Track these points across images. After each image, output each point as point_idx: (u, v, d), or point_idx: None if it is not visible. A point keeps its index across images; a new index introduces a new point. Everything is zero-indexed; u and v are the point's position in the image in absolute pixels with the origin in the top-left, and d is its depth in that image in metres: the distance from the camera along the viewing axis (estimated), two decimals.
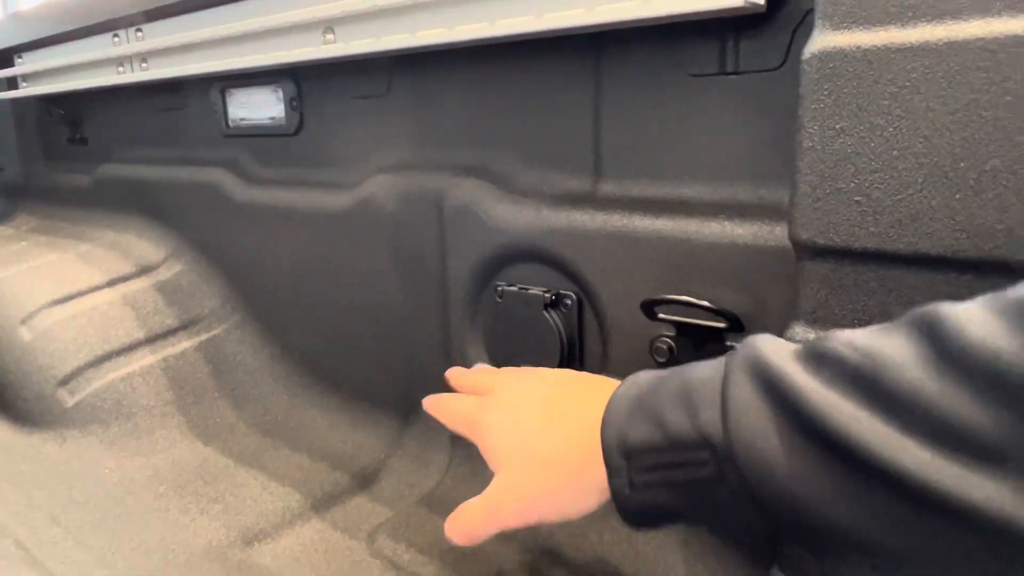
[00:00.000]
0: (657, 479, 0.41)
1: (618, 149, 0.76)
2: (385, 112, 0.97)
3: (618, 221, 0.72)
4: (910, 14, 0.44)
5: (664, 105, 0.71)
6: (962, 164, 0.43)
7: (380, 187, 0.95)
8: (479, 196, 0.83)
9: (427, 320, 0.93)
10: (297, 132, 1.10)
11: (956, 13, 0.42)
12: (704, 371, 0.42)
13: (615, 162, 0.76)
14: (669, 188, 0.72)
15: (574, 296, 0.77)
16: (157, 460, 1.01)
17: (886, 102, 0.44)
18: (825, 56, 0.46)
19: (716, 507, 0.40)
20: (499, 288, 0.83)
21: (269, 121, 1.13)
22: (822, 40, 0.47)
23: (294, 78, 1.07)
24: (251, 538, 0.82)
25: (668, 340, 0.69)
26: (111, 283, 1.22)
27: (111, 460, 1.00)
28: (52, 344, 1.10)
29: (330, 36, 0.91)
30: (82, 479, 0.95)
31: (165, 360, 1.13)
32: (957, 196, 0.43)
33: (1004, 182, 0.41)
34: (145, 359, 1.12)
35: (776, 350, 0.39)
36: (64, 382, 1.07)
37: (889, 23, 0.44)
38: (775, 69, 0.63)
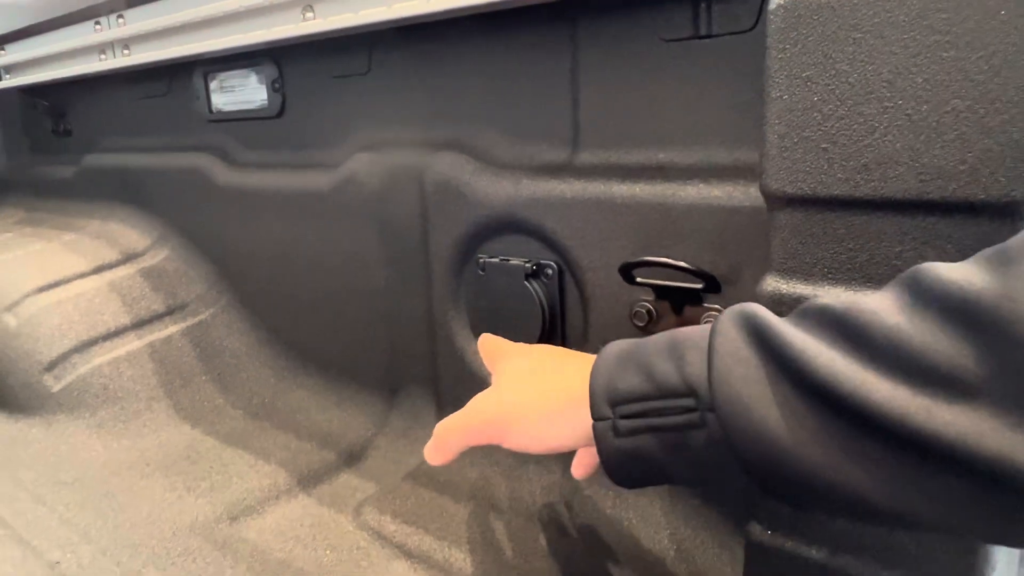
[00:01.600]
0: (641, 425, 0.42)
1: (596, 117, 0.76)
2: (366, 91, 0.97)
3: (596, 189, 0.72)
4: None
5: (640, 72, 0.71)
6: (924, 107, 0.43)
7: (362, 165, 0.95)
8: (458, 170, 0.84)
9: (411, 297, 0.93)
10: (280, 114, 1.10)
11: None
12: (695, 329, 0.42)
13: (593, 131, 0.76)
14: (647, 154, 0.72)
15: (555, 265, 0.78)
16: (144, 443, 1.01)
17: (850, 48, 0.45)
18: (790, 6, 0.47)
19: (696, 454, 0.40)
20: (481, 261, 0.83)
21: (252, 105, 1.13)
22: None
23: (276, 60, 1.07)
24: (237, 514, 0.83)
25: (647, 304, 0.70)
26: (97, 270, 1.21)
27: (97, 443, 1.00)
28: (37, 330, 1.09)
29: (309, 14, 0.91)
30: (68, 461, 0.95)
31: (151, 345, 1.13)
32: (921, 138, 0.43)
33: (965, 122, 0.42)
34: (131, 344, 1.12)
35: (766, 310, 0.39)
36: (50, 368, 1.07)
37: None
38: (748, 31, 0.64)
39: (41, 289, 1.16)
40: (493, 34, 0.82)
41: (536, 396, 0.50)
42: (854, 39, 0.45)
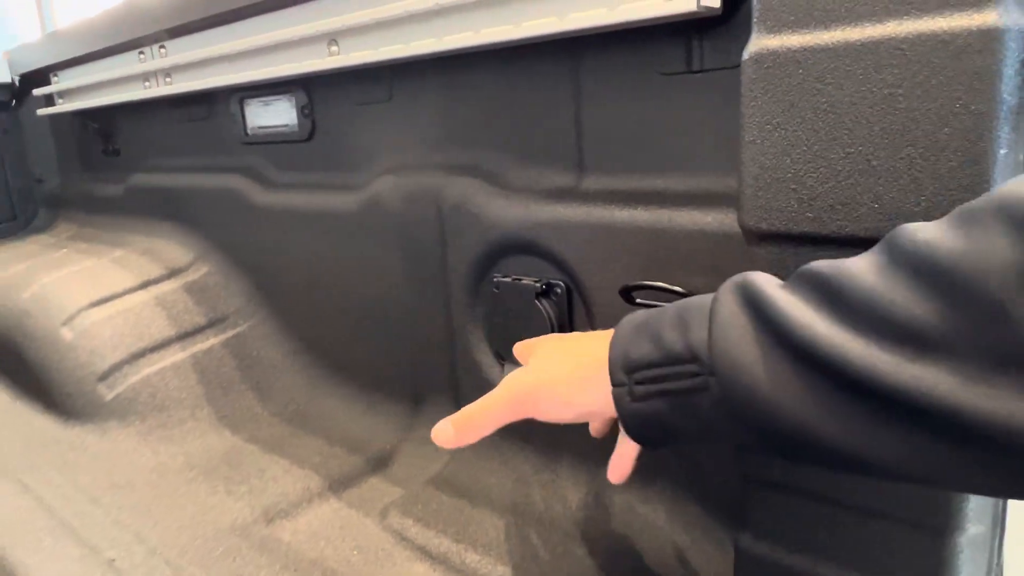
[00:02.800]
0: (654, 390, 0.45)
1: (598, 145, 0.80)
2: (388, 117, 1.03)
3: (600, 213, 0.77)
4: (832, 17, 0.48)
5: (638, 102, 0.76)
6: (882, 153, 0.47)
7: (385, 187, 1.01)
8: (472, 193, 0.89)
9: (431, 312, 0.98)
10: (310, 138, 1.16)
11: (872, 16, 0.46)
12: (701, 298, 0.46)
13: (596, 157, 0.81)
14: (645, 180, 0.77)
15: (563, 285, 0.83)
16: (188, 448, 1.08)
17: (814, 98, 0.49)
18: (760, 58, 0.51)
19: (703, 416, 0.43)
20: (495, 279, 0.89)
21: (284, 128, 1.20)
22: (757, 43, 0.51)
23: (305, 88, 1.14)
24: (273, 516, 0.89)
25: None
26: (144, 285, 1.30)
27: (146, 448, 1.08)
28: (91, 343, 1.18)
29: (334, 48, 0.97)
30: (121, 466, 1.04)
31: (194, 356, 1.21)
32: (880, 182, 0.47)
33: (918, 169, 0.45)
34: (176, 355, 1.20)
35: (764, 276, 0.42)
36: (103, 377, 1.16)
37: (815, 26, 0.48)
38: (737, 66, 0.67)
39: (94, 304, 1.25)
40: (503, 67, 0.87)
41: (566, 366, 0.53)
42: (817, 90, 0.48)
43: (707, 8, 0.62)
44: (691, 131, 0.72)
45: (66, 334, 1.21)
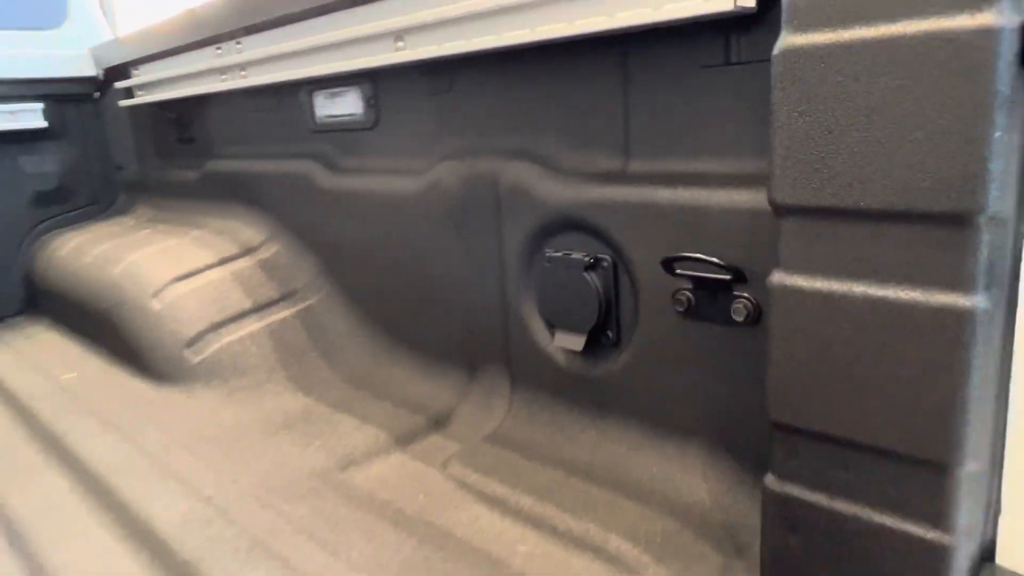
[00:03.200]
0: None
1: (643, 132, 0.88)
2: (448, 107, 1.12)
3: (644, 193, 0.85)
4: (851, 18, 0.55)
5: (681, 93, 0.83)
6: (892, 137, 0.54)
7: (445, 172, 1.10)
8: (527, 176, 0.98)
9: (487, 286, 1.08)
10: (374, 126, 1.26)
11: (886, 17, 0.53)
12: None
13: (641, 143, 0.89)
14: (686, 164, 0.84)
15: (609, 259, 0.91)
16: (266, 407, 1.20)
17: (834, 89, 0.56)
18: (788, 54, 0.58)
19: None
20: (547, 254, 0.97)
21: (350, 118, 1.30)
22: (785, 40, 0.58)
23: (371, 80, 1.23)
24: (346, 464, 1.00)
25: (687, 292, 0.82)
26: (222, 262, 1.42)
27: (229, 407, 1.20)
28: (178, 313, 1.31)
29: (400, 44, 1.07)
30: (208, 422, 1.16)
31: (269, 326, 1.33)
32: (891, 162, 0.54)
33: (924, 151, 0.53)
34: (253, 325, 1.32)
35: None
36: (189, 344, 1.28)
37: (835, 26, 0.56)
38: (769, 60, 0.75)
39: (178, 279, 1.38)
40: (556, 61, 0.95)
41: None
42: (837, 82, 0.56)
43: (743, 7, 0.69)
44: (728, 118, 0.80)
45: (155, 305, 1.33)
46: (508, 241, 1.03)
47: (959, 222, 0.53)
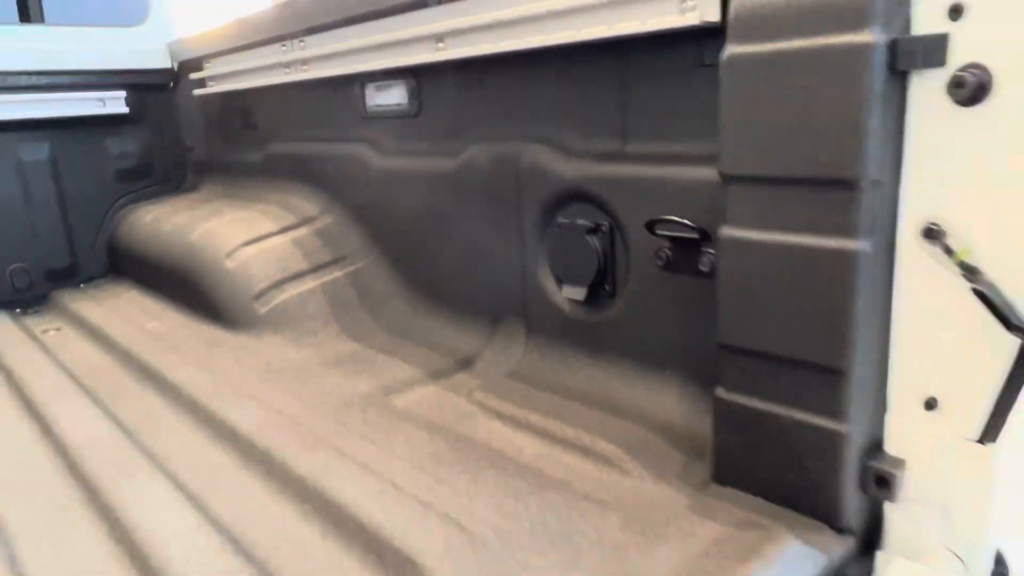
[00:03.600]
0: None
1: (637, 119, 1.08)
2: (478, 99, 1.33)
3: (637, 170, 1.05)
4: (773, 34, 0.74)
5: (666, 89, 1.03)
6: (803, 122, 0.73)
7: (477, 153, 1.31)
8: (543, 157, 1.18)
9: (508, 249, 1.28)
10: (417, 115, 1.47)
11: (798, 33, 0.72)
12: None
13: (636, 129, 1.08)
14: (669, 146, 1.04)
15: (607, 224, 1.11)
16: (322, 351, 1.43)
17: (761, 86, 0.75)
18: (730, 59, 0.78)
19: None
20: (558, 222, 1.18)
21: (396, 107, 1.51)
22: (728, 50, 0.78)
23: (415, 75, 1.45)
24: (389, 392, 1.22)
25: (666, 250, 1.02)
26: (283, 230, 1.65)
27: (292, 349, 1.43)
28: (248, 271, 1.54)
29: (440, 45, 1.28)
30: (275, 360, 1.39)
31: (323, 284, 1.55)
32: (803, 141, 0.74)
33: (822, 133, 0.72)
34: (310, 283, 1.55)
35: None
36: (256, 297, 1.52)
37: (763, 40, 0.75)
38: None
39: (247, 243, 1.61)
40: (567, 61, 1.15)
41: None
42: (763, 81, 0.75)
43: (708, 22, 0.89)
44: (701, 109, 0.99)
45: (229, 264, 1.57)
46: (526, 211, 1.23)
47: (847, 186, 0.72)
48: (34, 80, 1.96)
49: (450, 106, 1.40)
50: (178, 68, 2.18)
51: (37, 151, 2.02)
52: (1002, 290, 0.69)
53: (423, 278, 1.53)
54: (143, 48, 2.15)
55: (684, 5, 0.92)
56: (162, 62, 2.17)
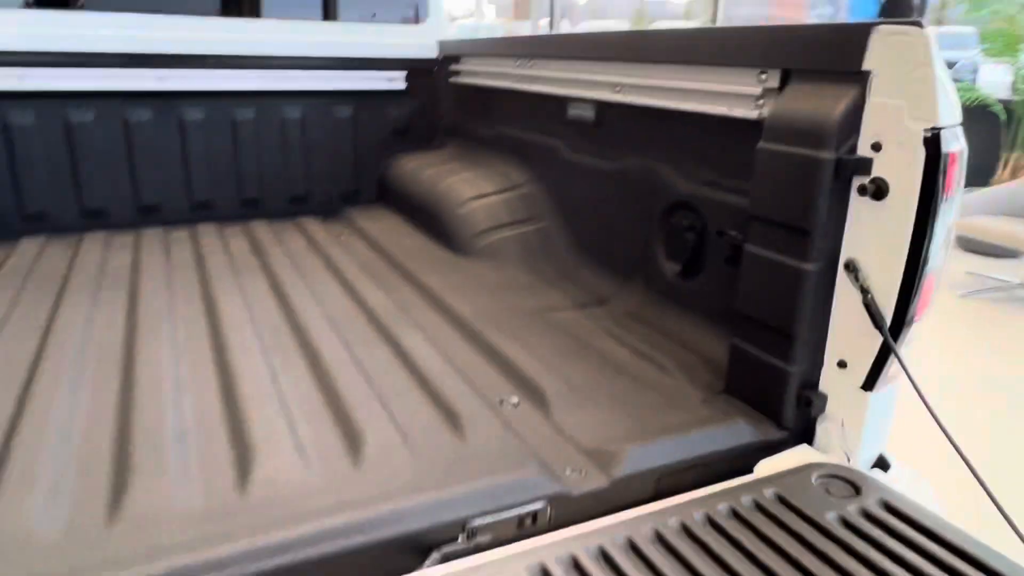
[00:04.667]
0: None
1: (728, 162, 1.66)
2: (637, 128, 1.96)
3: (723, 196, 1.64)
4: (781, 141, 1.32)
5: (741, 147, 1.60)
6: (785, 194, 1.31)
7: (631, 163, 1.96)
8: (670, 175, 1.80)
9: (640, 230, 1.93)
10: (598, 127, 2.13)
11: (791, 143, 1.30)
12: None
13: (725, 169, 1.67)
14: (742, 183, 1.62)
15: (699, 226, 1.72)
16: (513, 277, 2.18)
17: (771, 168, 1.34)
18: (760, 150, 1.36)
19: None
20: (671, 220, 1.80)
21: (585, 119, 2.18)
22: (760, 144, 1.36)
23: (599, 102, 2.10)
24: (548, 310, 1.94)
25: (728, 249, 1.62)
26: (498, 192, 2.41)
27: (494, 274, 2.20)
28: (474, 217, 2.33)
29: (617, 89, 1.92)
30: (483, 280, 2.16)
31: (519, 234, 2.30)
32: (789, 202, 1.32)
33: (794, 200, 1.30)
34: (510, 232, 2.30)
35: None
36: (477, 236, 2.30)
37: (778, 143, 1.33)
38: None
39: (473, 198, 2.39)
40: (686, 119, 1.74)
41: None
42: (777, 167, 1.34)
43: (755, 117, 1.46)
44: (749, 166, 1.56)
45: (460, 211, 2.37)
46: (654, 207, 1.87)
47: (805, 233, 1.29)
48: (336, 63, 2.86)
49: (618, 128, 2.04)
50: (442, 59, 2.99)
51: (344, 112, 2.94)
52: (878, 303, 1.24)
53: (583, 239, 2.21)
54: (420, 42, 2.98)
55: (757, 103, 1.49)
56: (431, 53, 2.99)
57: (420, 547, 1.07)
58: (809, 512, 1.10)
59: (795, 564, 1.00)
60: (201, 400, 1.42)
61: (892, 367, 1.28)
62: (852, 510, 1.11)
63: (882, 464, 1.39)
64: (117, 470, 1.18)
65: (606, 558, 1.01)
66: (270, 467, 1.18)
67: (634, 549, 1.03)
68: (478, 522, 1.08)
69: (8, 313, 1.82)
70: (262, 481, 1.15)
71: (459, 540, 1.07)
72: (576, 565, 0.99)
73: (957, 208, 1.22)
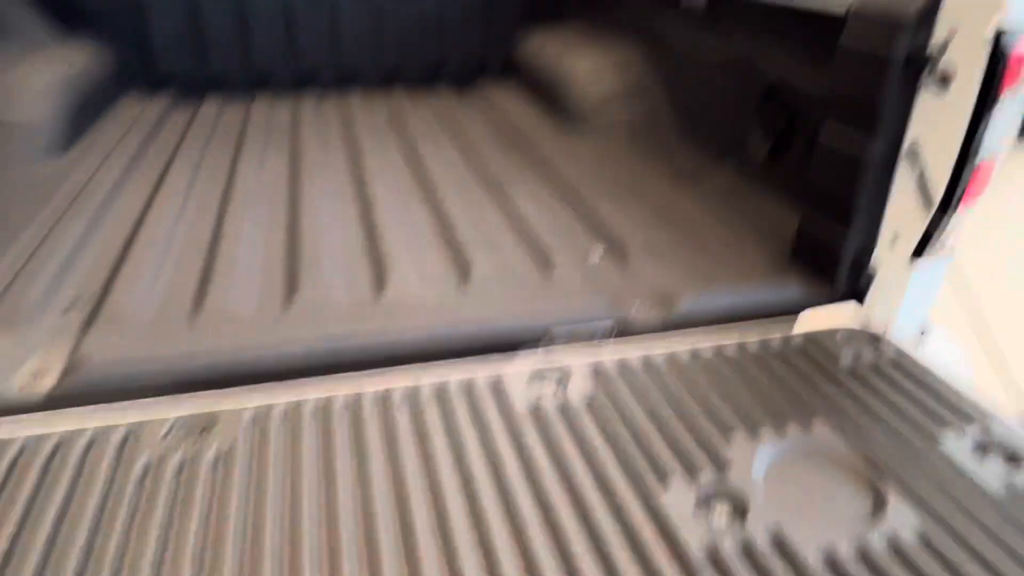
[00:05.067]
0: None
1: None
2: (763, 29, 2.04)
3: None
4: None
5: None
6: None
7: (735, 47, 2.05)
8: (763, 60, 1.90)
9: (737, 112, 2.06)
10: (707, 15, 2.21)
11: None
12: None
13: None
14: None
15: (789, 110, 1.83)
16: (624, 149, 2.38)
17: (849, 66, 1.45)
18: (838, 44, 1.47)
19: None
20: (766, 104, 1.92)
21: (694, 7, 2.26)
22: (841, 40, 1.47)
23: None
24: (646, 179, 2.14)
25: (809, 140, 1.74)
26: (614, 70, 2.57)
27: (605, 144, 2.41)
28: (589, 94, 2.52)
29: None
30: (594, 149, 2.38)
31: (632, 112, 2.47)
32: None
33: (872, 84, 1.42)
34: (623, 109, 2.47)
35: None
36: (592, 111, 2.50)
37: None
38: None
39: (591, 77, 2.56)
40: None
41: None
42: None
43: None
44: None
45: (578, 88, 2.56)
46: (750, 94, 1.99)
47: (873, 117, 1.40)
48: None
49: (726, 18, 2.12)
50: None
51: None
52: (933, 182, 1.37)
53: (685, 119, 2.36)
54: None
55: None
56: None
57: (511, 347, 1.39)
58: (822, 359, 1.31)
59: (797, 398, 1.23)
60: (347, 230, 1.79)
61: (942, 241, 1.42)
62: (864, 362, 1.31)
63: (923, 330, 1.55)
64: (289, 274, 1.58)
65: (649, 365, 1.28)
66: (399, 283, 1.53)
67: (673, 362, 1.30)
68: (557, 330, 1.38)
69: (201, 159, 2.27)
70: (392, 294, 1.50)
71: (541, 342, 1.38)
72: (625, 367, 1.27)
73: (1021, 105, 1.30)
